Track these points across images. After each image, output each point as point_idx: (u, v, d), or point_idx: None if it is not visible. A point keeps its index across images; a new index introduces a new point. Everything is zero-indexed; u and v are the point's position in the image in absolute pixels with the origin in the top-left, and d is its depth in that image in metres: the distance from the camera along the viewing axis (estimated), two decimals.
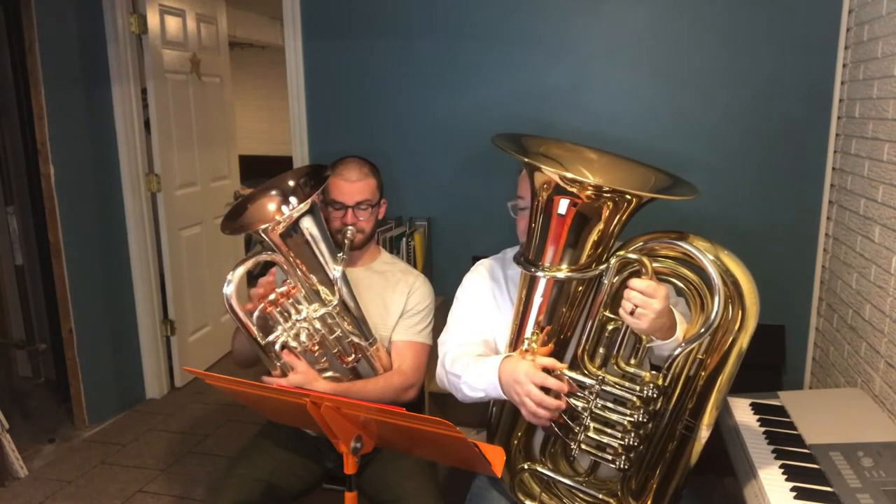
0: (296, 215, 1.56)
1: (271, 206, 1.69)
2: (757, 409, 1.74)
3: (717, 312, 1.22)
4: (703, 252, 1.24)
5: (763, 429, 1.63)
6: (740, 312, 1.24)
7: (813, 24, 2.34)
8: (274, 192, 1.70)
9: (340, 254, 1.65)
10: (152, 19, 3.13)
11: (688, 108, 2.49)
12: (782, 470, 1.44)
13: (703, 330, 1.24)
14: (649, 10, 2.47)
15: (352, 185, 1.76)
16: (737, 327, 1.25)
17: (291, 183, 1.71)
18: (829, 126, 2.36)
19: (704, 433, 1.29)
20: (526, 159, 1.31)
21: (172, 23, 3.32)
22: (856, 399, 1.82)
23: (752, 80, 2.42)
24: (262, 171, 3.83)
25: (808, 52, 2.36)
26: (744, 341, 1.25)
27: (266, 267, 1.76)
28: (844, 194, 2.23)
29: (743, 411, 1.73)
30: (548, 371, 1.31)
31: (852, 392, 1.90)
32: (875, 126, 1.96)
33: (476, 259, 1.72)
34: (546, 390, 1.28)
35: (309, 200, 1.56)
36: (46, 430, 2.95)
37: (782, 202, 2.46)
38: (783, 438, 1.58)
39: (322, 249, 1.61)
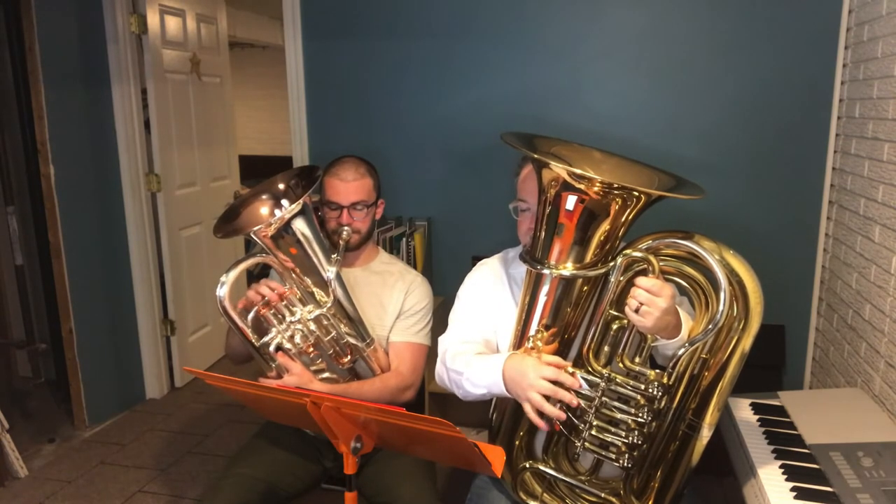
0: (287, 216, 1.55)
1: (263, 209, 1.68)
2: (757, 408, 1.74)
3: (722, 312, 1.22)
4: (709, 252, 1.24)
5: (763, 429, 1.63)
6: (744, 312, 1.24)
7: (813, 24, 2.33)
8: (265, 195, 1.70)
9: (335, 255, 1.64)
10: (152, 19, 3.13)
11: (688, 107, 2.49)
12: (782, 470, 1.44)
13: (709, 327, 1.24)
14: (649, 10, 2.47)
15: (347, 185, 1.76)
16: (740, 327, 1.25)
17: (282, 185, 1.70)
18: (829, 126, 2.36)
19: (706, 433, 1.29)
20: (535, 155, 1.31)
21: (172, 23, 3.32)
22: (856, 399, 1.82)
23: (751, 80, 2.42)
24: (262, 171, 3.83)
25: (808, 53, 2.35)
26: (747, 342, 1.25)
27: (266, 268, 1.76)
28: (844, 194, 2.22)
29: (743, 411, 1.73)
30: None
31: (852, 392, 1.90)
32: (875, 126, 1.96)
33: (476, 259, 1.72)
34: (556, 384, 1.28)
35: (300, 201, 1.56)
36: (46, 430, 2.95)
37: (782, 202, 2.46)
38: (783, 438, 1.58)
39: (315, 250, 1.61)
